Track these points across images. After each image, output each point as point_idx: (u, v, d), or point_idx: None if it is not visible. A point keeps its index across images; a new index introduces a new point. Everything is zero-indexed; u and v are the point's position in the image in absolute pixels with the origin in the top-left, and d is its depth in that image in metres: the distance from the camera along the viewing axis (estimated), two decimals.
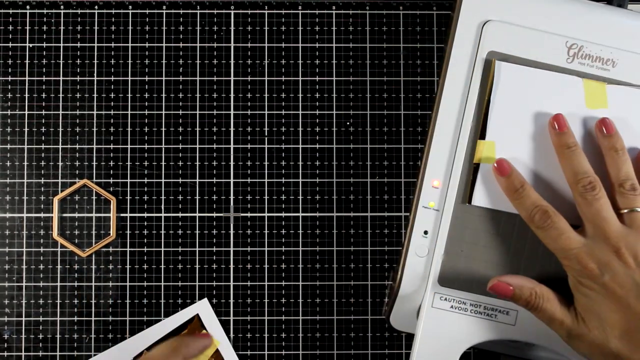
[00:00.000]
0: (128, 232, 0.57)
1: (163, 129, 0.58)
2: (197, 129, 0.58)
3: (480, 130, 0.49)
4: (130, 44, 0.58)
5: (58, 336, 0.56)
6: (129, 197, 0.57)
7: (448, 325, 0.48)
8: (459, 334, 0.48)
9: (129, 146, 0.58)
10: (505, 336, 0.48)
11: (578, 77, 0.49)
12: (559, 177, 0.48)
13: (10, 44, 0.58)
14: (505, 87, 0.49)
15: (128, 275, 0.57)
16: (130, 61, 0.58)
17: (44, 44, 0.58)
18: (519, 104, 0.49)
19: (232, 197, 0.57)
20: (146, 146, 0.58)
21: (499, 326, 0.48)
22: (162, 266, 0.57)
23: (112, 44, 0.58)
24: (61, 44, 0.58)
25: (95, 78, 0.58)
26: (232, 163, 0.58)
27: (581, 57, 0.49)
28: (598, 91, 0.49)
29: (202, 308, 0.56)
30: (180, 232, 0.57)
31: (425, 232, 0.49)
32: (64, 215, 0.57)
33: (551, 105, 0.49)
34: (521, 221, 0.48)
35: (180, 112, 0.58)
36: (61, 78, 0.58)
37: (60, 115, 0.58)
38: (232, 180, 0.58)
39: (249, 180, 0.58)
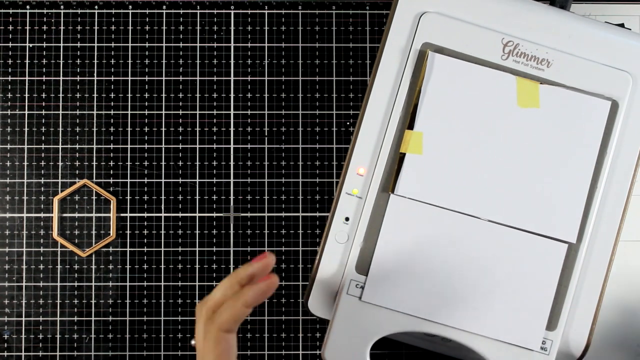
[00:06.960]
0: (128, 232, 0.57)
1: (163, 129, 0.58)
2: (197, 129, 0.58)
3: (409, 120, 0.49)
4: (130, 44, 0.58)
5: (58, 336, 0.56)
6: (129, 197, 0.57)
7: (362, 313, 0.47)
8: (373, 323, 0.47)
9: (129, 146, 0.58)
10: (419, 329, 0.47)
11: (511, 75, 0.48)
12: (484, 170, 0.48)
13: (10, 44, 0.58)
14: (437, 79, 0.48)
15: (128, 275, 0.57)
16: (130, 61, 0.58)
17: (44, 44, 0.58)
18: (450, 97, 0.48)
19: (232, 197, 0.57)
20: (146, 146, 0.58)
21: (414, 318, 0.47)
22: (162, 266, 0.57)
23: (112, 44, 0.58)
24: (61, 44, 0.58)
25: (95, 78, 0.58)
26: (232, 163, 0.58)
27: (516, 54, 0.48)
28: (531, 90, 0.48)
29: None
30: (180, 232, 0.57)
31: (347, 219, 0.49)
32: (64, 215, 0.57)
33: (482, 101, 0.48)
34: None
35: (180, 112, 0.58)
36: (61, 78, 0.58)
37: (60, 115, 0.58)
38: (232, 180, 0.58)
39: (249, 180, 0.58)
